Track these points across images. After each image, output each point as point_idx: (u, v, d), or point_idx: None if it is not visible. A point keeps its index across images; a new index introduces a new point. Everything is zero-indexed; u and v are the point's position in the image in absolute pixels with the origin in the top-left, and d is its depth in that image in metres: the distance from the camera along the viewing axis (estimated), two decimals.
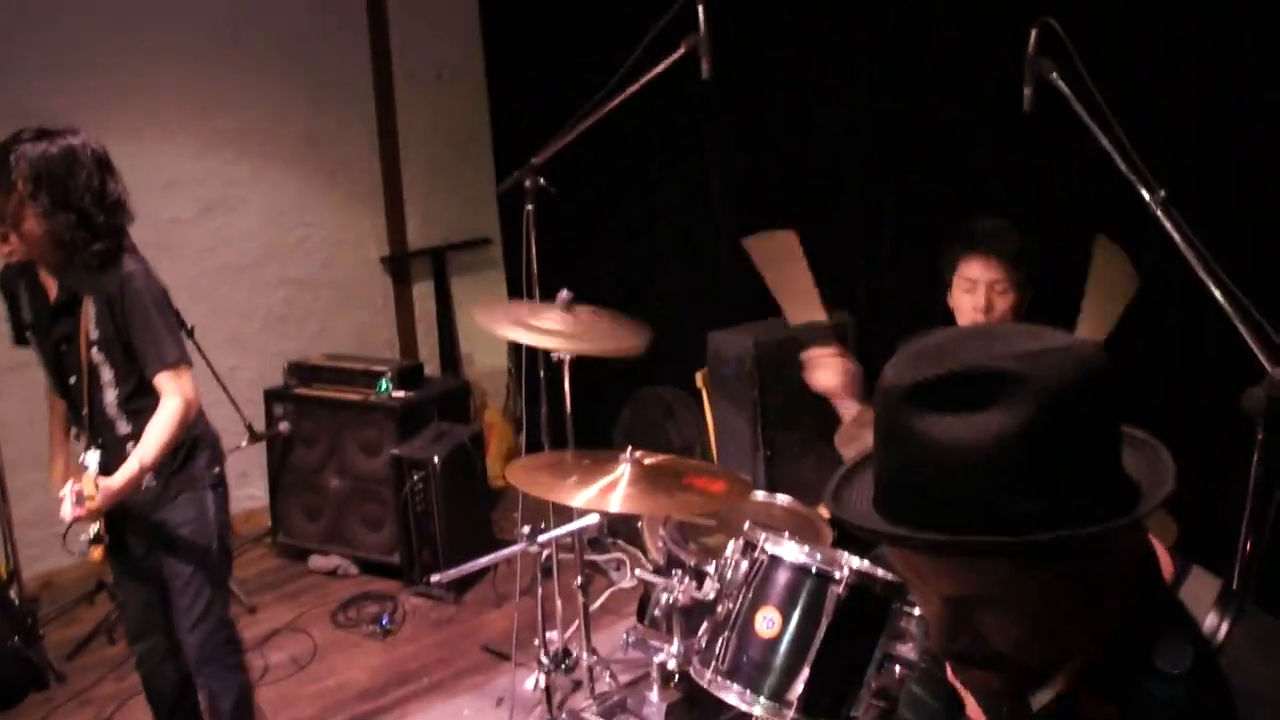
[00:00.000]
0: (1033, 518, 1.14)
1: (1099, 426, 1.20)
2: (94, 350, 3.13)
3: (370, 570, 5.37)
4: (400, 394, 5.33)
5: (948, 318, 3.84)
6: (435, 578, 3.22)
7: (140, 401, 3.18)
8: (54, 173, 3.00)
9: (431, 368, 6.32)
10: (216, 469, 3.40)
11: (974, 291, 3.37)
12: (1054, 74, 2.75)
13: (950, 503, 1.16)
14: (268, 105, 5.85)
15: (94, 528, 3.09)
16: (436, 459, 4.95)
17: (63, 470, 3.42)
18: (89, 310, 3.11)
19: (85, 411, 3.20)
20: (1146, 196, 2.57)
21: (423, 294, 6.63)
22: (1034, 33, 2.83)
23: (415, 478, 5.00)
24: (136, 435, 3.15)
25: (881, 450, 1.25)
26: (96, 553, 3.17)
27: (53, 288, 3.19)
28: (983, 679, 1.28)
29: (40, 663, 4.43)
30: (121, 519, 3.23)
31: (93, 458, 3.07)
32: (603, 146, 4.48)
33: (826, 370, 3.55)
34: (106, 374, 3.17)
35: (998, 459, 1.14)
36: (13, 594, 4.51)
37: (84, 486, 2.90)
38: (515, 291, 6.61)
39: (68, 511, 2.92)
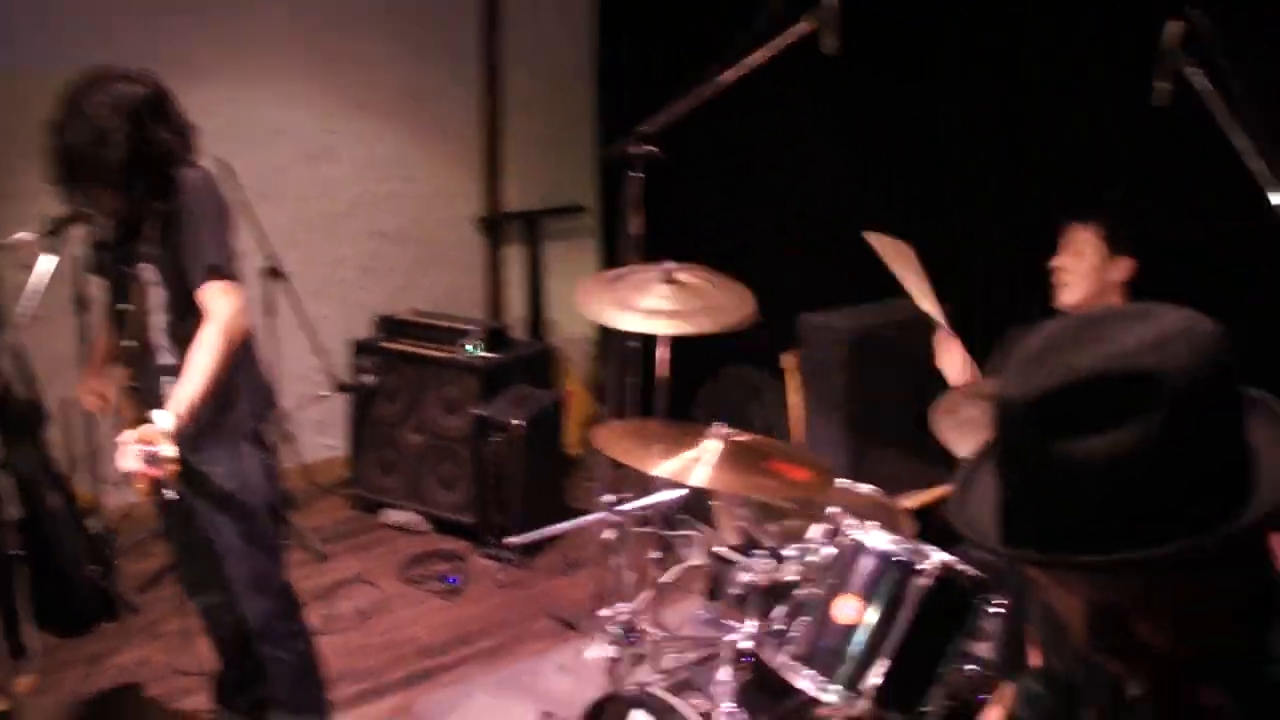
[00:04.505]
0: (1164, 527, 1.08)
1: (1228, 413, 1.13)
2: (149, 268, 2.97)
3: (442, 528, 5.38)
4: (486, 355, 5.31)
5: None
6: (512, 540, 3.22)
7: (185, 328, 2.97)
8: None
9: (517, 331, 6.32)
10: (256, 423, 3.17)
11: (1058, 254, 3.50)
12: (1190, 68, 2.66)
13: (1079, 522, 1.11)
14: (372, 57, 5.87)
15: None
16: (518, 422, 4.94)
17: (99, 388, 3.28)
18: (152, 226, 2.95)
19: (132, 342, 3.06)
20: (1274, 200, 2.49)
21: (513, 257, 6.62)
22: (1172, 25, 2.74)
23: (495, 439, 4.98)
24: (177, 370, 2.97)
25: (1004, 468, 1.20)
26: (142, 486, 3.07)
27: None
28: (1124, 669, 1.24)
29: (113, 593, 4.49)
30: None
31: (163, 415, 2.76)
32: (703, 118, 4.42)
33: (950, 360, 3.77)
34: (158, 295, 3.00)
35: (1126, 475, 1.08)
36: (93, 524, 4.56)
37: (160, 446, 2.67)
38: (609, 261, 6.58)
39: (130, 464, 2.70)
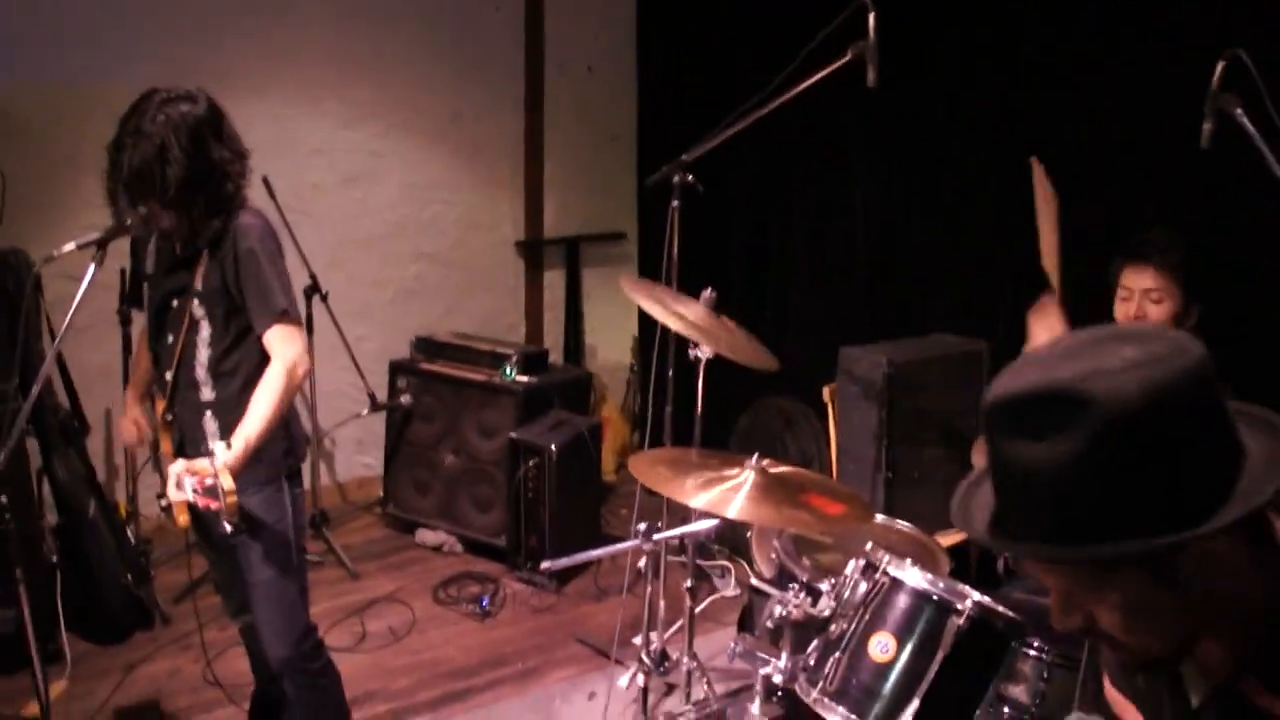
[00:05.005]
0: (1097, 529, 1.23)
1: (1172, 439, 1.23)
2: (196, 303, 2.99)
3: (475, 550, 5.39)
4: (523, 379, 5.33)
5: None
6: (546, 565, 3.17)
7: (229, 362, 3.04)
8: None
9: (554, 356, 6.33)
10: (292, 461, 3.17)
11: (1129, 300, 3.40)
12: (1239, 110, 2.64)
13: (1027, 516, 1.29)
14: (417, 81, 5.92)
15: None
16: (554, 447, 4.94)
17: (138, 418, 3.34)
18: (203, 262, 2.98)
19: (171, 375, 3.08)
20: None
21: (553, 282, 6.65)
22: (1220, 66, 2.72)
23: (530, 463, 4.99)
24: (217, 405, 3.05)
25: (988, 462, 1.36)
26: (183, 519, 3.06)
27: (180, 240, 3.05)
28: (1105, 652, 1.41)
29: (148, 603, 4.51)
30: None
31: (221, 447, 2.80)
32: (746, 149, 4.46)
33: (1045, 323, 3.52)
34: (205, 330, 3.02)
35: (1061, 479, 1.23)
36: (129, 534, 4.59)
37: (221, 479, 2.71)
38: None
39: (185, 495, 2.78)
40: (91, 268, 2.92)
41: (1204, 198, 3.91)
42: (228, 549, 3.15)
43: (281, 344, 2.97)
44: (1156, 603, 1.29)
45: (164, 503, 3.09)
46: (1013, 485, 1.30)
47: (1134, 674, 1.46)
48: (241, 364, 3.06)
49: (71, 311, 2.87)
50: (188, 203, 2.89)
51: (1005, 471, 1.30)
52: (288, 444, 3.16)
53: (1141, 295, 3.35)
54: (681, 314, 3.43)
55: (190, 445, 3.14)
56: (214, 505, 2.74)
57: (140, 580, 4.49)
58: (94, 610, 4.36)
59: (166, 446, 3.18)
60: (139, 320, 3.41)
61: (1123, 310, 3.41)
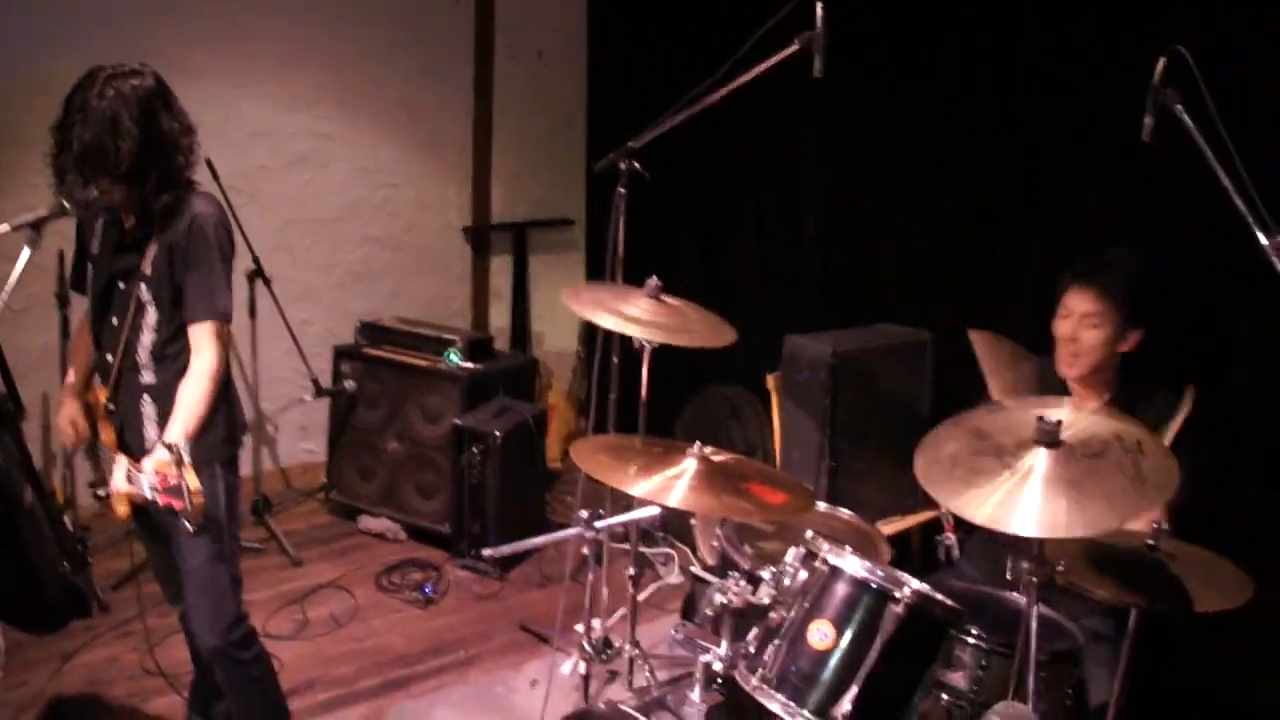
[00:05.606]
0: None
1: None
2: (143, 287, 2.99)
3: (418, 537, 5.37)
4: (468, 365, 5.31)
5: (1029, 338, 3.75)
6: (488, 551, 3.17)
7: (171, 348, 3.04)
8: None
9: (500, 342, 6.31)
10: (229, 448, 3.18)
11: (1067, 318, 3.37)
12: (1178, 105, 2.66)
13: None
14: (366, 64, 5.87)
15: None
16: (498, 433, 4.93)
17: (75, 417, 3.28)
18: (152, 246, 2.98)
19: (114, 358, 3.07)
20: (1262, 240, 2.50)
21: (500, 268, 6.63)
22: (1161, 61, 2.74)
23: (475, 450, 4.97)
24: (156, 390, 3.05)
25: None
26: (123, 510, 3.04)
27: (130, 220, 3.03)
28: None
29: (86, 591, 4.43)
30: None
31: (170, 447, 2.76)
32: (694, 137, 4.45)
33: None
34: (150, 315, 3.02)
35: None
36: (66, 520, 4.52)
37: (187, 479, 2.68)
38: (595, 274, 6.59)
39: (128, 488, 2.80)
40: (26, 250, 2.88)
41: (1199, 205, 3.92)
42: (165, 536, 3.12)
43: (212, 340, 2.99)
44: None
45: (101, 492, 3.06)
46: None
47: None
48: (184, 350, 3.03)
49: (7, 293, 2.83)
50: (140, 176, 2.87)
51: None
52: (225, 430, 3.15)
53: (1080, 318, 3.33)
54: (623, 311, 3.41)
55: (129, 429, 3.12)
56: (178, 505, 2.70)
57: (78, 567, 4.42)
58: (30, 599, 4.28)
59: (107, 435, 3.15)
60: (79, 304, 3.36)
61: (1059, 328, 3.39)
